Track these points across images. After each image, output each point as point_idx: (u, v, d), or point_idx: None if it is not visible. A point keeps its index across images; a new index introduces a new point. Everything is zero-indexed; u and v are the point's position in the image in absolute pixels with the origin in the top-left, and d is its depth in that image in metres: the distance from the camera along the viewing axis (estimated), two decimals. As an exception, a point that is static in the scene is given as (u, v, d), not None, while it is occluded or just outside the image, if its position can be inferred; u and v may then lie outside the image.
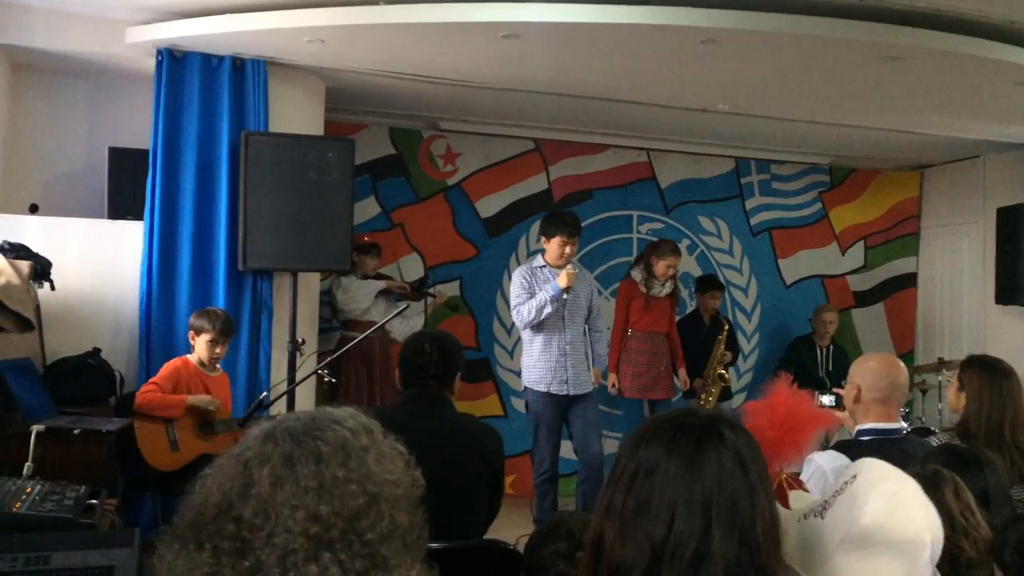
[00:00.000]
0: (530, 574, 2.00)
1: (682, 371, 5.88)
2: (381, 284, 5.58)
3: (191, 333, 4.28)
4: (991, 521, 2.00)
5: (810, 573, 1.49)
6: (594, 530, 1.30)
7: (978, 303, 6.90)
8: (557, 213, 5.16)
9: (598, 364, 5.12)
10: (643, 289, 5.68)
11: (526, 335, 4.96)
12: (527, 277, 4.92)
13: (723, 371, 6.13)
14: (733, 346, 6.40)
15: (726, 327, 6.23)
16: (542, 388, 4.85)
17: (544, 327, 4.86)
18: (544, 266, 4.95)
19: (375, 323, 5.06)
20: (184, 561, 1.06)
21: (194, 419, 4.22)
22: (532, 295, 4.85)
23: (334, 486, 1.08)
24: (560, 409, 4.89)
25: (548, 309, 4.80)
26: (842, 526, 1.48)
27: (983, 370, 3.08)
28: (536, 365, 4.88)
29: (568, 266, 4.85)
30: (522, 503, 5.35)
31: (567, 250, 4.87)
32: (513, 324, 6.37)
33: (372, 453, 1.13)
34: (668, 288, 5.77)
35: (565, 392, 4.84)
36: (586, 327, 5.08)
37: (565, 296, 4.80)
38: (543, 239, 4.98)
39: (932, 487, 1.93)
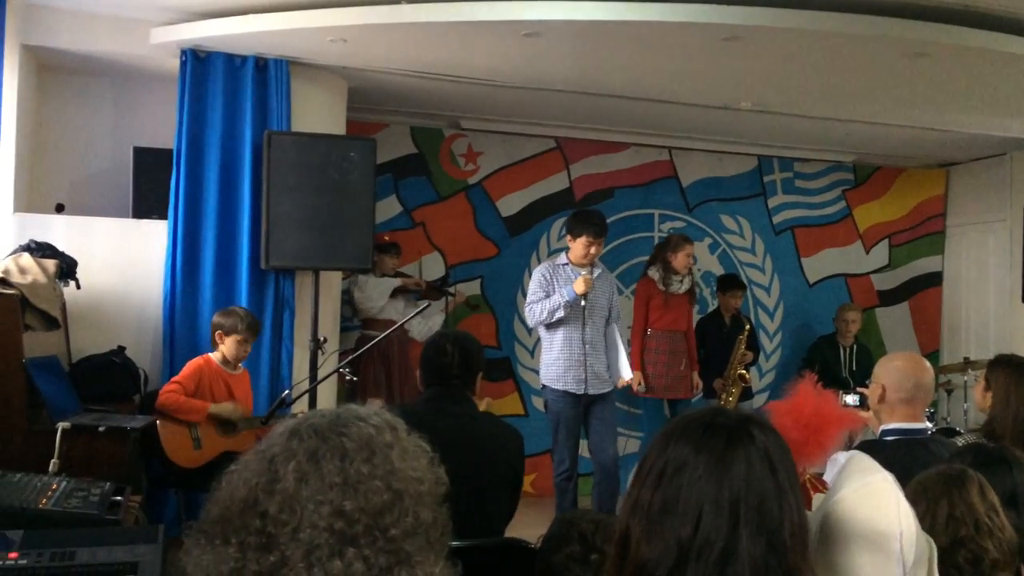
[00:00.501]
0: None
1: (695, 374, 5.83)
2: (397, 282, 5.57)
3: (218, 333, 4.29)
4: (1017, 522, 1.98)
5: None
6: (620, 527, 1.30)
7: (1004, 302, 6.81)
8: (584, 212, 5.09)
9: (613, 374, 4.97)
10: (661, 287, 5.66)
11: (545, 333, 4.91)
12: (547, 275, 4.88)
13: (743, 371, 6.08)
14: (754, 346, 6.35)
15: (747, 327, 6.18)
16: (560, 386, 4.80)
17: (564, 324, 4.80)
18: (567, 264, 4.90)
19: (394, 322, 5.07)
20: (211, 556, 1.07)
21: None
22: (548, 294, 4.81)
23: (359, 482, 1.08)
24: (579, 408, 4.84)
25: (561, 313, 4.75)
26: (818, 515, 1.49)
27: (1011, 370, 3.05)
28: (555, 363, 4.83)
29: (586, 271, 4.79)
30: (543, 502, 5.34)
31: (592, 250, 4.82)
32: (534, 322, 6.39)
33: (396, 450, 1.14)
34: (686, 285, 5.74)
35: (583, 391, 4.78)
36: (607, 329, 5.01)
37: (583, 303, 4.75)
38: (568, 237, 4.92)
39: (958, 487, 1.91)
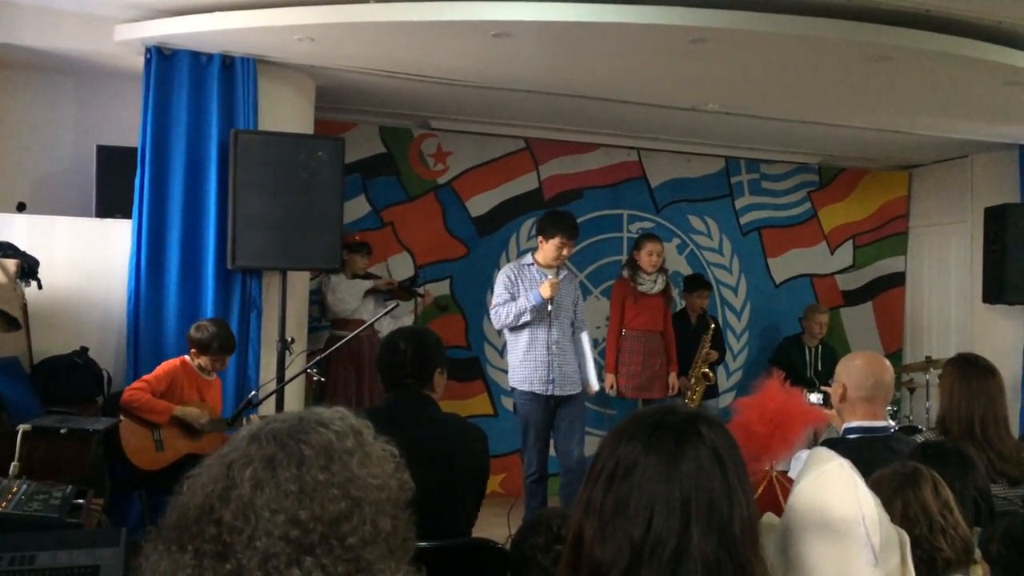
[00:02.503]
0: (515, 568, 2.05)
1: (672, 374, 5.88)
2: (369, 283, 5.56)
3: (193, 350, 4.25)
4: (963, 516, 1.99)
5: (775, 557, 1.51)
6: (574, 528, 1.30)
7: (965, 302, 6.93)
8: (557, 213, 5.05)
9: (582, 379, 4.96)
10: (632, 286, 5.72)
11: (510, 335, 4.88)
12: (512, 277, 4.84)
13: (707, 370, 6.14)
14: (720, 346, 6.42)
15: (712, 326, 6.25)
16: (526, 388, 4.77)
17: (529, 326, 4.78)
18: (532, 265, 4.88)
19: (364, 322, 5.05)
20: (167, 562, 1.06)
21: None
22: (513, 296, 4.78)
23: (315, 490, 1.07)
24: (548, 410, 4.81)
25: (527, 317, 4.72)
26: (786, 514, 1.50)
27: (957, 367, 3.11)
28: (521, 365, 4.81)
29: (552, 275, 4.76)
30: (512, 503, 5.34)
31: (565, 252, 4.78)
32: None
33: (357, 456, 1.13)
34: (660, 285, 5.79)
35: (551, 392, 4.75)
36: (575, 335, 4.97)
37: (549, 307, 4.72)
38: (540, 239, 4.86)
39: (911, 485, 1.93)
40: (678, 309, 6.56)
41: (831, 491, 1.46)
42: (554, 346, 4.76)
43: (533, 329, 4.78)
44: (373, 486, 1.12)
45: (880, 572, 1.42)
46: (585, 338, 5.01)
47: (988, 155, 6.74)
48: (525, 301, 4.73)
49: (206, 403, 4.30)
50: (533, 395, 4.78)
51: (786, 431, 1.92)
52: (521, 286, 4.81)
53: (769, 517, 1.68)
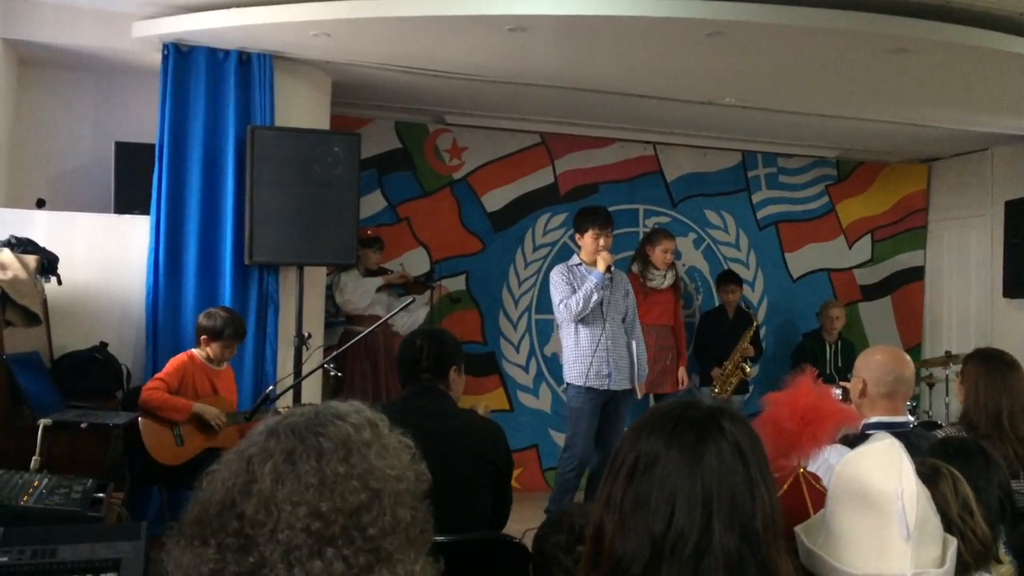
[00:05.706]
0: (536, 565, 2.05)
1: (682, 369, 5.89)
2: (379, 281, 5.56)
3: (203, 337, 4.26)
4: (986, 514, 1.96)
5: (809, 533, 1.52)
6: (594, 522, 1.30)
7: (986, 296, 6.87)
8: (586, 207, 5.22)
9: (640, 377, 5.05)
10: (642, 282, 5.73)
11: (567, 332, 4.96)
12: (566, 274, 4.96)
13: (744, 364, 6.16)
14: (757, 343, 6.46)
15: (753, 324, 6.29)
16: (581, 383, 4.86)
17: (584, 322, 4.88)
18: (580, 264, 4.98)
19: (379, 317, 5.06)
20: (190, 557, 1.07)
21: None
22: (574, 289, 4.88)
23: (335, 482, 1.08)
24: (599, 405, 4.91)
25: (595, 296, 4.81)
26: (832, 481, 1.52)
27: (980, 361, 3.09)
28: (577, 360, 4.90)
29: (604, 251, 4.89)
30: (528, 497, 5.34)
31: (602, 242, 4.91)
32: (519, 317, 6.40)
33: (375, 448, 1.14)
34: (669, 280, 5.81)
35: (605, 387, 4.86)
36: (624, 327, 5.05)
37: (609, 278, 4.81)
38: (578, 236, 5.04)
39: (930, 484, 1.90)
40: (717, 305, 6.56)
41: (875, 463, 1.48)
42: (609, 342, 4.87)
43: (588, 325, 4.88)
44: (391, 477, 1.12)
45: (911, 549, 1.42)
46: (634, 345, 5.05)
47: (1009, 148, 6.66)
48: (588, 284, 4.83)
49: (220, 395, 4.30)
50: (588, 389, 4.86)
51: (816, 429, 1.90)
52: (576, 284, 4.91)
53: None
